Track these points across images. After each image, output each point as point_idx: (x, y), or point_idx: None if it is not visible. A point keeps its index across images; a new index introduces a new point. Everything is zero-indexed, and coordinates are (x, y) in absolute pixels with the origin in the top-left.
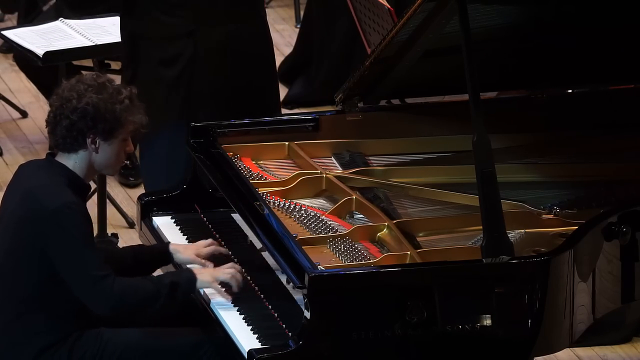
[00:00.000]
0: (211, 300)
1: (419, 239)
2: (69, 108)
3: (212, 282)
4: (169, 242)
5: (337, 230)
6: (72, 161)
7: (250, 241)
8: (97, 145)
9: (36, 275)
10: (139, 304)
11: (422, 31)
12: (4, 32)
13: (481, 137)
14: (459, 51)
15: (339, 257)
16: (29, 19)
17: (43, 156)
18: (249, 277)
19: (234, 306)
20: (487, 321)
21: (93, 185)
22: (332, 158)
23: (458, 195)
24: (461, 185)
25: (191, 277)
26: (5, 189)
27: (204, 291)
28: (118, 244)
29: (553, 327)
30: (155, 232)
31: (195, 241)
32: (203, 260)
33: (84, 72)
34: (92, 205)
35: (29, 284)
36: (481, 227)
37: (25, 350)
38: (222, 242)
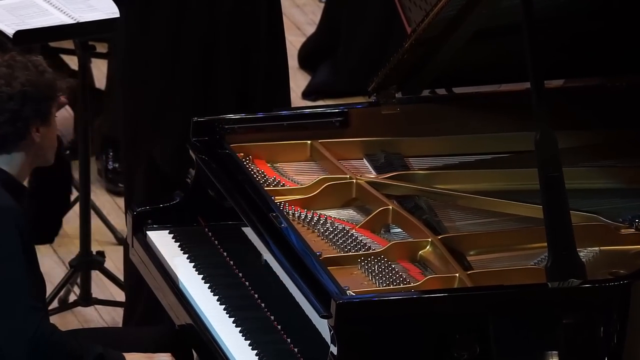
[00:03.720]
0: (218, 333)
1: (469, 259)
2: (3, 98)
3: None
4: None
5: (370, 248)
6: (5, 161)
7: (265, 261)
8: (40, 133)
9: None
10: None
11: (474, 6)
12: None
13: (545, 135)
14: (518, 31)
15: (372, 279)
16: None
17: None
18: (263, 306)
19: (245, 340)
20: (554, 358)
21: (75, 193)
22: (364, 160)
23: (517, 205)
24: (521, 193)
25: None
26: None
27: (209, 322)
28: (105, 264)
29: None
30: (150, 250)
31: (197, 260)
32: None
33: (62, 56)
34: (74, 217)
35: None
36: (545, 244)
37: None
38: (231, 262)
